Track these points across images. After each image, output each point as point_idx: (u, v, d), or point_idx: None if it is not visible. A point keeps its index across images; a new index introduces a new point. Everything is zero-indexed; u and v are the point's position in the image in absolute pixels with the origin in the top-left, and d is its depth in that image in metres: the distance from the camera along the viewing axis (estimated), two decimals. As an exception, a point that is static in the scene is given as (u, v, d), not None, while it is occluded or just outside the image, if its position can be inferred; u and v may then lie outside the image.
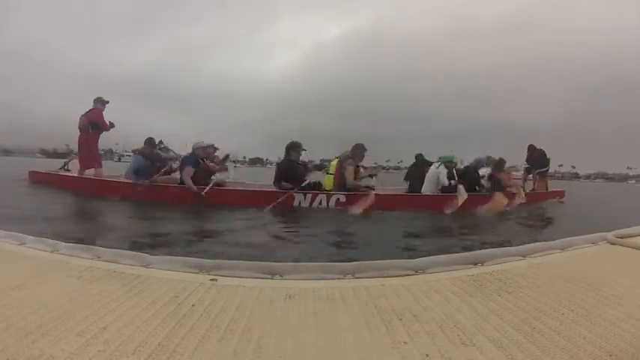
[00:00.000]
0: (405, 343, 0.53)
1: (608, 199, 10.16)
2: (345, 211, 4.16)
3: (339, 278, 0.80)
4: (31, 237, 0.99)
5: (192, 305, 0.63)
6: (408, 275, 0.82)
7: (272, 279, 0.79)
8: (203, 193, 4.20)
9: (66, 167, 6.06)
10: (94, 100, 5.18)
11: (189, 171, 4.35)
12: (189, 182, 4.31)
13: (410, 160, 5.77)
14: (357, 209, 4.11)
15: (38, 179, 5.78)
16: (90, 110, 5.16)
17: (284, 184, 4.45)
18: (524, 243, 1.07)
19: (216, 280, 0.76)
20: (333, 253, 2.49)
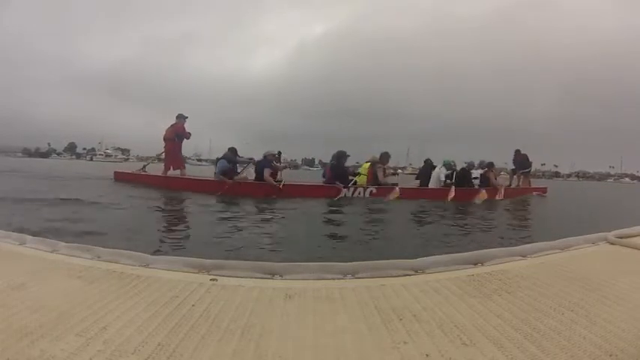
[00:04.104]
0: (405, 343, 0.53)
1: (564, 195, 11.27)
2: (376, 200, 5.76)
3: (339, 278, 0.79)
4: (30, 237, 0.99)
5: (192, 305, 0.63)
6: (408, 275, 0.82)
7: (272, 279, 0.79)
8: (280, 186, 5.81)
9: (144, 169, 7.27)
10: (177, 116, 6.71)
11: (268, 171, 5.90)
12: (269, 179, 5.86)
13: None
14: (388, 197, 5.89)
15: (122, 178, 7.00)
16: (174, 123, 6.66)
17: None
18: (524, 243, 1.07)
19: (216, 280, 0.76)
20: (333, 253, 2.49)
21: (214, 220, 3.61)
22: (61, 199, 4.17)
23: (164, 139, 6.70)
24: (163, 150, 6.85)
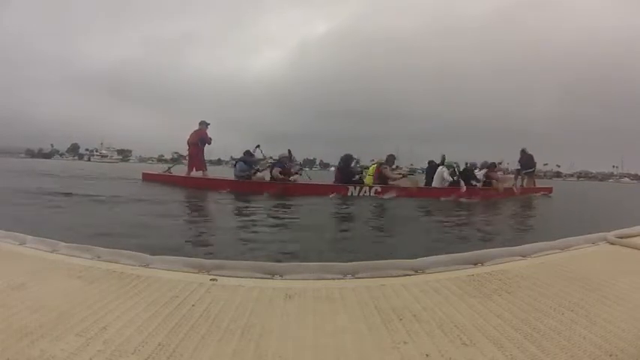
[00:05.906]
0: (405, 343, 0.53)
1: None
2: (379, 198, 6.25)
3: (339, 278, 0.80)
4: (30, 237, 0.99)
5: (192, 305, 0.63)
6: (408, 275, 0.82)
7: (272, 279, 0.79)
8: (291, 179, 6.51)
9: (169, 171, 8.02)
10: (199, 122, 7.31)
11: (277, 170, 6.52)
12: (277, 175, 6.47)
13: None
14: (392, 194, 6.34)
15: (150, 178, 7.59)
16: (198, 129, 7.27)
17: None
18: (524, 243, 1.07)
19: (216, 280, 0.76)
20: (333, 253, 2.49)
21: (228, 217, 3.87)
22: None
23: (188, 143, 7.27)
24: (187, 153, 7.41)
